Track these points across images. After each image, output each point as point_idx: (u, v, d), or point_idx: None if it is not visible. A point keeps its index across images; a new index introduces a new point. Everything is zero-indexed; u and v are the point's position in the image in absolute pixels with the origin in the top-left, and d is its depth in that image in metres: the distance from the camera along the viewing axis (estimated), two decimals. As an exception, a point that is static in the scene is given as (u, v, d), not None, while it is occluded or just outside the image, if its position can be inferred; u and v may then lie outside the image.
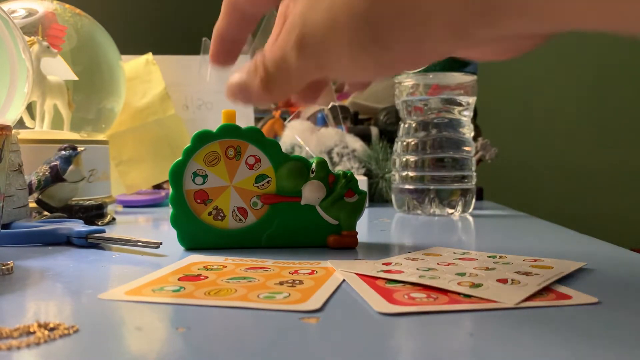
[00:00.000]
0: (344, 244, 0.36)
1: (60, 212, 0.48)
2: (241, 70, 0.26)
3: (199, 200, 0.35)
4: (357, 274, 0.27)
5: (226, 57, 0.28)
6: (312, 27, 0.22)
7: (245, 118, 0.81)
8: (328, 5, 0.21)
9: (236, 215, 0.35)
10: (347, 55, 0.21)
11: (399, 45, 0.21)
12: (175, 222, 0.35)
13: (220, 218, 0.35)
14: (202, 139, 0.35)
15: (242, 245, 0.35)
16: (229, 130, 0.35)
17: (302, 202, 0.35)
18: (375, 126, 0.82)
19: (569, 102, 1.73)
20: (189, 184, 0.35)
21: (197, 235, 0.35)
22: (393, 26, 0.20)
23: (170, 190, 0.35)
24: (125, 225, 0.50)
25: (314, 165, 0.35)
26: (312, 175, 0.35)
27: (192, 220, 0.35)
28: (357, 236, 0.36)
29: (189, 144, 0.35)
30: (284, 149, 0.40)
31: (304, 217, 0.35)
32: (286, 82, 0.24)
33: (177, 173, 0.35)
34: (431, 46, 0.20)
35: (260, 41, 0.84)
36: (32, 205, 0.48)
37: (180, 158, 0.35)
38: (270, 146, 0.35)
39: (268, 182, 0.35)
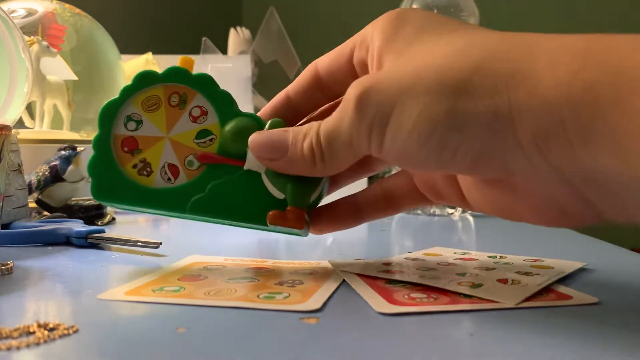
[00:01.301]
0: (285, 221, 0.28)
1: (59, 212, 0.48)
2: (281, 132, 0.26)
3: (126, 149, 0.29)
4: (357, 274, 0.27)
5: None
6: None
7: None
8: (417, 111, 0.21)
9: (165, 174, 0.29)
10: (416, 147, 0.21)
11: (466, 156, 0.21)
12: (93, 168, 0.29)
13: (145, 173, 0.29)
14: (145, 79, 0.29)
15: (163, 209, 0.29)
16: (178, 74, 0.29)
17: (246, 167, 0.29)
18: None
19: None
20: (120, 127, 0.29)
21: (114, 188, 0.29)
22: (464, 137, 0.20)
23: (97, 132, 0.29)
24: (125, 225, 0.50)
25: (268, 126, 0.29)
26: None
27: (113, 169, 0.29)
28: (306, 217, 0.28)
29: (129, 83, 0.30)
30: None
31: (244, 186, 0.29)
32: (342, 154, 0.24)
33: (109, 113, 0.29)
34: (499, 162, 0.20)
35: (261, 42, 0.84)
36: (32, 205, 0.48)
37: (116, 97, 0.29)
38: (221, 98, 0.29)
39: (211, 139, 0.29)
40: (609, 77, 0.17)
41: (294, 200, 0.28)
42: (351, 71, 0.27)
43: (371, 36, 0.25)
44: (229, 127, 0.29)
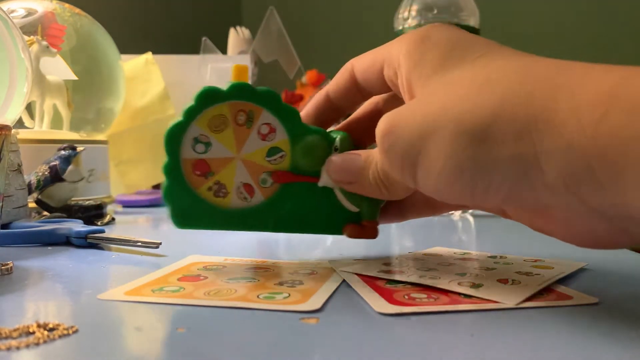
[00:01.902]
0: (363, 235, 0.30)
1: (59, 212, 0.48)
2: (354, 157, 0.28)
3: (198, 172, 0.29)
4: (357, 274, 0.27)
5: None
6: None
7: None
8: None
9: (241, 193, 0.29)
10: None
11: (498, 194, 0.21)
12: (169, 195, 0.29)
13: (222, 195, 0.29)
14: (209, 98, 0.28)
15: (245, 228, 0.30)
16: (243, 91, 0.28)
17: (320, 184, 0.30)
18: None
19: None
20: (188, 151, 0.28)
21: (193, 213, 0.29)
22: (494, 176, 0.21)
23: (166, 158, 0.29)
24: (125, 225, 0.50)
25: (337, 141, 0.29)
26: (334, 153, 0.29)
27: (188, 194, 0.29)
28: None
29: (191, 103, 0.28)
30: None
31: (320, 202, 0.30)
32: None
33: (175, 137, 0.28)
34: (531, 200, 0.20)
35: (260, 42, 0.84)
36: (32, 205, 0.48)
37: (179, 119, 0.28)
38: (288, 115, 0.29)
39: (282, 156, 0.29)
40: (634, 120, 0.17)
41: (369, 215, 0.30)
42: (384, 83, 0.27)
43: (397, 60, 0.25)
44: (300, 145, 0.29)
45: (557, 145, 0.19)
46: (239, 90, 0.28)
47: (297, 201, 0.30)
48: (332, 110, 0.30)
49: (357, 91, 0.29)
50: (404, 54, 0.24)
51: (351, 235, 0.31)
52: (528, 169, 0.19)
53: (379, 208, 0.31)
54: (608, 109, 0.17)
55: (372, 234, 0.31)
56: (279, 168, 0.30)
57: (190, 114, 0.28)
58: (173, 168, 0.29)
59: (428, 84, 0.23)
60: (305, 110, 0.31)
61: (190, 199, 0.29)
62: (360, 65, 0.28)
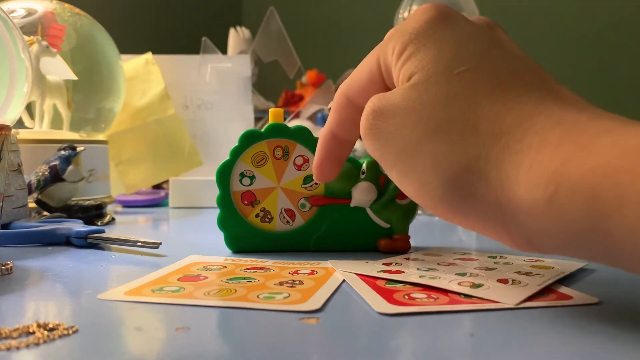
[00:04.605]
0: (396, 248, 0.34)
1: (59, 212, 0.48)
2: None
3: (246, 202, 0.34)
4: (357, 274, 0.27)
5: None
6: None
7: (244, 120, 0.81)
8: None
9: (284, 218, 0.35)
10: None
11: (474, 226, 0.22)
12: (223, 224, 0.34)
13: (267, 220, 0.35)
14: (250, 138, 0.34)
15: (289, 248, 0.34)
16: (278, 130, 0.34)
17: (352, 205, 0.34)
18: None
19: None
20: (236, 185, 0.34)
21: (244, 238, 0.34)
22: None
23: (218, 191, 0.34)
24: (125, 225, 0.50)
25: (364, 166, 0.34)
26: (362, 177, 0.34)
27: (239, 222, 0.34)
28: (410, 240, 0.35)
29: (236, 144, 0.34)
30: None
31: (354, 220, 0.34)
32: None
33: (225, 173, 0.34)
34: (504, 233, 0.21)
35: (260, 42, 0.84)
36: (32, 205, 0.48)
37: (227, 158, 0.34)
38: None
39: (316, 183, 0.34)
40: (578, 202, 0.18)
41: (399, 229, 0.34)
42: (385, 88, 0.26)
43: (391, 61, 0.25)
44: None
45: (519, 209, 0.19)
46: (275, 130, 0.34)
47: (333, 221, 0.34)
48: (342, 147, 0.29)
49: (358, 115, 0.26)
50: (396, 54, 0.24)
51: (384, 249, 0.34)
52: (495, 221, 0.21)
53: (408, 223, 0.35)
54: (557, 187, 0.18)
55: (404, 246, 0.34)
56: (315, 193, 0.35)
57: (236, 153, 0.34)
58: (225, 199, 0.34)
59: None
60: (317, 159, 0.30)
61: (241, 226, 0.34)
62: (353, 86, 0.27)
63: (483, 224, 0.21)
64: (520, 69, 0.22)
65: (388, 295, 0.23)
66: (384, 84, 0.26)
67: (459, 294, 0.23)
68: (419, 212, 0.57)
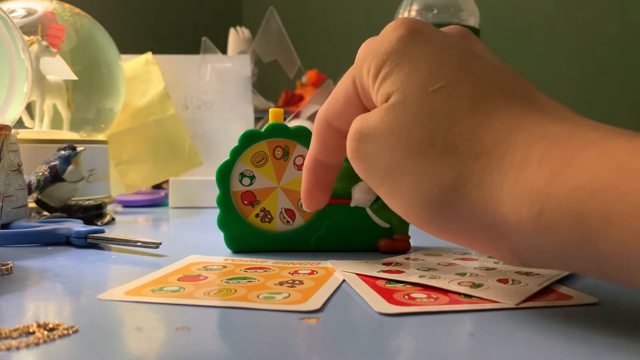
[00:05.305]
0: (396, 248, 0.34)
1: (59, 212, 0.48)
2: None
3: (246, 202, 0.34)
4: (357, 274, 0.27)
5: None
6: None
7: (244, 120, 0.81)
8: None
9: (284, 218, 0.35)
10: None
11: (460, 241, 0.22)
12: (223, 224, 0.34)
13: (267, 220, 0.35)
14: (250, 138, 0.34)
15: (289, 248, 0.34)
16: (278, 130, 0.34)
17: (352, 204, 0.34)
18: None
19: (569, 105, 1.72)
20: (236, 185, 0.34)
21: (244, 238, 0.34)
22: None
23: (218, 191, 0.34)
24: (125, 225, 0.50)
25: None
26: None
27: (239, 222, 0.34)
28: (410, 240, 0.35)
29: (236, 144, 0.34)
30: None
31: (354, 220, 0.34)
32: None
33: (225, 174, 0.34)
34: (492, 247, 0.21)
35: (260, 42, 0.84)
36: (32, 205, 0.48)
37: (227, 158, 0.34)
38: None
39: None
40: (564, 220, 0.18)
41: (399, 229, 0.34)
42: (364, 109, 0.25)
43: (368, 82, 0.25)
44: None
45: (508, 226, 0.19)
46: (275, 130, 0.34)
47: (333, 221, 0.34)
48: (329, 172, 0.30)
49: (341, 138, 0.26)
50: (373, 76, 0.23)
51: (384, 249, 0.34)
52: (482, 237, 0.21)
53: (408, 223, 0.34)
54: (542, 207, 0.18)
55: (404, 246, 0.34)
56: None
57: (236, 153, 0.34)
58: (225, 199, 0.34)
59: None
60: (305, 187, 0.30)
61: (241, 226, 0.34)
62: (331, 110, 0.27)
63: (472, 242, 0.21)
64: (498, 80, 0.22)
65: (388, 295, 0.23)
66: (362, 105, 0.25)
67: (459, 294, 0.23)
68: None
